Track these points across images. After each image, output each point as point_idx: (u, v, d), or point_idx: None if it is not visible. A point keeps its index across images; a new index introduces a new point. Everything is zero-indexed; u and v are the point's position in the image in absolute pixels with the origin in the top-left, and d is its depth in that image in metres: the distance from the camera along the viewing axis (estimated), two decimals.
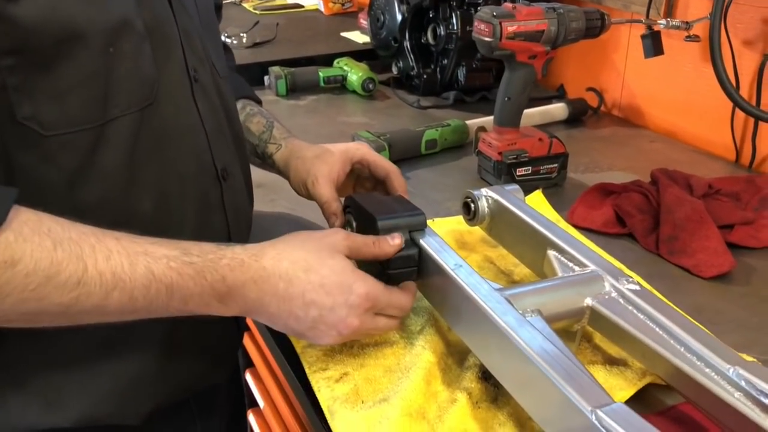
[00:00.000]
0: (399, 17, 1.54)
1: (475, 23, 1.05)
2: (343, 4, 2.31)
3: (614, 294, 0.67)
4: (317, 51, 1.80)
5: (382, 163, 0.84)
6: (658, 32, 1.28)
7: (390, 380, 0.66)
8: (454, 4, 1.45)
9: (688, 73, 1.32)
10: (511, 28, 1.02)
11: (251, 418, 1.01)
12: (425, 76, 1.54)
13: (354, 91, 1.58)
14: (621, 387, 0.66)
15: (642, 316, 0.65)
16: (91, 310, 0.56)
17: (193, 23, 0.72)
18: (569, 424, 0.53)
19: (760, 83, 1.17)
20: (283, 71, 1.56)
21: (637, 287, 0.67)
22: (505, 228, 0.82)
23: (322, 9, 2.31)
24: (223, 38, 0.99)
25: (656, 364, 0.63)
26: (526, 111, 1.14)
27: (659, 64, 1.35)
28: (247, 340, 0.99)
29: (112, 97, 0.60)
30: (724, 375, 0.58)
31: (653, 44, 1.28)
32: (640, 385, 0.67)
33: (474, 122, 1.30)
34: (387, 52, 1.61)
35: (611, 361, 0.70)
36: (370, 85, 1.55)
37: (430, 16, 1.53)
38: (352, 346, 0.70)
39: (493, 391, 0.66)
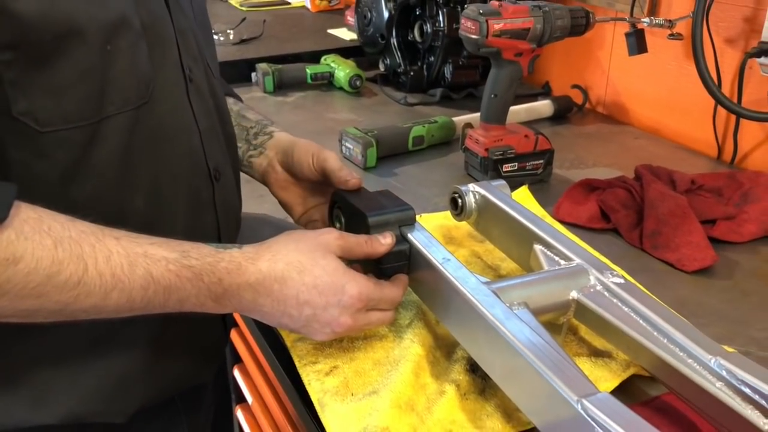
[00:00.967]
0: (386, 14, 1.55)
1: (462, 21, 1.06)
2: (329, 1, 2.31)
3: (599, 287, 0.69)
4: (304, 48, 1.80)
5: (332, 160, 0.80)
6: (642, 30, 1.29)
7: (379, 373, 0.67)
8: (441, 1, 1.45)
9: (671, 70, 1.34)
10: (497, 25, 1.03)
11: (239, 414, 1.01)
12: (412, 73, 1.54)
13: (341, 88, 1.58)
14: (606, 378, 0.67)
15: (626, 309, 0.66)
16: (89, 309, 0.56)
17: (188, 23, 0.72)
18: (556, 414, 0.54)
19: (741, 81, 1.19)
20: (271, 68, 1.56)
21: (622, 280, 0.68)
22: (492, 223, 0.83)
23: (309, 6, 2.31)
24: None
25: (640, 355, 0.64)
26: (512, 108, 1.15)
27: (643, 62, 1.37)
28: (234, 336, 0.98)
29: (108, 95, 0.60)
30: (706, 366, 0.59)
31: (637, 42, 1.30)
32: (625, 376, 0.68)
33: (461, 119, 1.30)
34: (374, 49, 1.61)
35: (596, 353, 0.71)
36: (357, 82, 1.55)
37: (417, 13, 1.53)
38: (341, 340, 0.71)
39: (480, 383, 0.66)
